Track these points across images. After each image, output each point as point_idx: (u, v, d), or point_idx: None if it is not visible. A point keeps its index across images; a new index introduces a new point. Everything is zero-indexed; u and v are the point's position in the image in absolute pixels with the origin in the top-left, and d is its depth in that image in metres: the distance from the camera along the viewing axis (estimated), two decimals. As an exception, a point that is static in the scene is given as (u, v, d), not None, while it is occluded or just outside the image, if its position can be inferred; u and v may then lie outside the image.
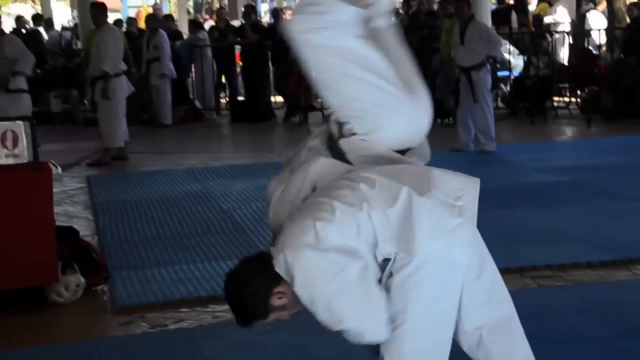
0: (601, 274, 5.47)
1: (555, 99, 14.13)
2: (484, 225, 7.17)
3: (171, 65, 13.72)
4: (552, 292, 5.18)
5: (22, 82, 10.32)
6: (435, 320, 2.90)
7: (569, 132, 12.66)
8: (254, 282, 2.83)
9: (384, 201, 2.84)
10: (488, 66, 10.34)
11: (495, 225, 6.90)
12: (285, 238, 2.84)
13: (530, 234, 6.47)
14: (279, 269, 2.80)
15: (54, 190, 8.68)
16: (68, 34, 18.57)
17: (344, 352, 3.69)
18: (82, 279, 5.30)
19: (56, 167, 5.40)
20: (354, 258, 2.78)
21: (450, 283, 2.92)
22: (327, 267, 2.76)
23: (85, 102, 14.26)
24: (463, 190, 2.95)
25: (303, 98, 14.18)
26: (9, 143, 5.14)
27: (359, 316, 2.80)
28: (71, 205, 8.27)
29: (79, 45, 15.83)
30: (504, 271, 5.43)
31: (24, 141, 5.15)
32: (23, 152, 5.17)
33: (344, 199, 2.84)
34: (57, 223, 6.47)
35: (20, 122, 5.21)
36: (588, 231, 6.44)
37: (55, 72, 15.11)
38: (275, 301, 2.84)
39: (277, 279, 2.81)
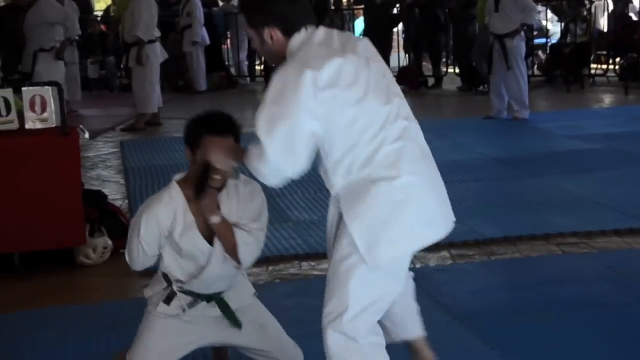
0: (628, 241, 5.43)
1: (593, 66, 13.95)
2: (513, 192, 7.24)
3: (204, 33, 13.72)
4: (576, 258, 5.15)
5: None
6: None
7: (605, 99, 12.49)
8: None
9: None
10: (522, 33, 10.22)
11: (524, 192, 6.89)
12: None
13: (559, 201, 6.44)
14: (298, 37, 2.88)
15: (88, 154, 8.88)
16: None
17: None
18: (110, 242, 5.37)
19: (84, 131, 5.46)
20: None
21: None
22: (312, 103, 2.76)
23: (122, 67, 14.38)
24: None
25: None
26: (37, 108, 5.21)
27: (282, 150, 2.78)
28: (104, 169, 8.37)
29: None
30: (529, 238, 5.51)
31: (52, 106, 5.21)
32: (51, 117, 5.24)
33: None
34: (90, 186, 6.59)
35: (48, 88, 5.27)
36: (618, 199, 6.38)
37: (92, 38, 15.22)
38: (266, 33, 2.90)
39: (288, 31, 2.88)
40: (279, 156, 2.78)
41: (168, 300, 3.31)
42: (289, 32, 2.88)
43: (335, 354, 2.87)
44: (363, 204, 2.79)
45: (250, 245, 3.23)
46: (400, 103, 2.91)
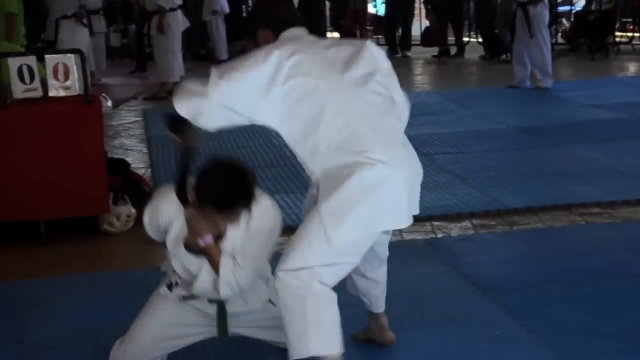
0: (651, 212, 5.41)
1: (618, 34, 13.81)
2: (536, 162, 7.21)
3: (223, 1, 13.68)
4: (599, 229, 5.13)
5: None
6: None
7: (630, 68, 12.38)
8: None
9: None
10: (546, 1, 10.11)
11: (547, 162, 6.86)
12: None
13: (582, 171, 6.41)
14: (286, 34, 3.20)
15: (112, 123, 8.91)
16: None
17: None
18: (133, 210, 5.40)
19: (106, 99, 5.47)
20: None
21: None
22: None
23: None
24: None
25: (359, 33, 14.06)
26: (60, 75, 5.22)
27: (221, 91, 3.00)
28: (127, 138, 8.41)
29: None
30: (552, 208, 5.49)
31: (74, 74, 5.23)
32: (74, 85, 5.25)
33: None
34: (113, 155, 6.62)
35: (71, 55, 5.28)
36: (642, 169, 6.35)
37: (114, 6, 15.22)
38: (260, 35, 3.23)
39: (277, 30, 3.21)
40: (214, 94, 2.99)
41: (170, 286, 3.30)
42: (278, 31, 3.20)
43: (286, 295, 2.91)
44: (335, 186, 2.91)
45: (229, 284, 3.09)
46: (374, 100, 3.05)
